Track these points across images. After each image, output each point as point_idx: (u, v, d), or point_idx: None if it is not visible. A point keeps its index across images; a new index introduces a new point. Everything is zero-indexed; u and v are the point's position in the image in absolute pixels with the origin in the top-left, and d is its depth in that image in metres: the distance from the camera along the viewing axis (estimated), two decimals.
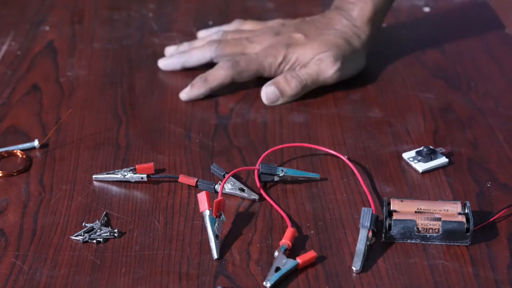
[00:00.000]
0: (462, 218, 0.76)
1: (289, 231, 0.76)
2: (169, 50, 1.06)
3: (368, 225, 0.75)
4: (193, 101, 0.98)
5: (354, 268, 0.73)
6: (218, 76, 0.98)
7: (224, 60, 0.99)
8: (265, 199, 0.82)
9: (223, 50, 1.01)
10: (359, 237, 0.75)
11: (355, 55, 0.99)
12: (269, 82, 0.97)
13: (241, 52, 1.00)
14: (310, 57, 0.98)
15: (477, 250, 0.76)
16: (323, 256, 0.75)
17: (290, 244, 0.75)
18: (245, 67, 0.98)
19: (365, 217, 0.76)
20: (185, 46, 1.05)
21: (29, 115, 0.96)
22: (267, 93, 0.97)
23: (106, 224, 0.79)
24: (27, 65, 1.06)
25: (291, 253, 0.75)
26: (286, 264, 0.73)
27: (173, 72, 1.04)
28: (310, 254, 0.74)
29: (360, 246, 0.75)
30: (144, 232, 0.78)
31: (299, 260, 0.73)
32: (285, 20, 1.06)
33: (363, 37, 1.00)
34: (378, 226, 0.77)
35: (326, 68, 0.97)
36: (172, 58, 1.04)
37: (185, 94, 0.98)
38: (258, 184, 0.83)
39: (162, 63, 1.04)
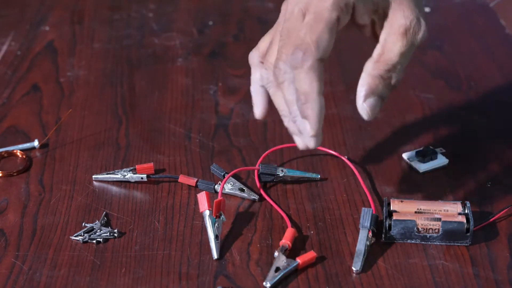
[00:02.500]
0: (462, 218, 0.76)
1: (289, 231, 0.76)
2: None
3: (368, 225, 0.75)
4: (193, 101, 0.98)
5: (354, 268, 0.73)
6: (304, 79, 0.70)
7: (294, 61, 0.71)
8: (265, 199, 0.82)
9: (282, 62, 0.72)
10: (359, 237, 0.75)
11: None
12: (362, 91, 0.73)
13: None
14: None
15: (477, 250, 0.76)
16: (323, 256, 0.75)
17: (290, 244, 0.75)
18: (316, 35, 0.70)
19: (365, 217, 0.76)
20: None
21: (29, 115, 0.96)
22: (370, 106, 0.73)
23: (106, 224, 0.79)
24: (27, 65, 1.06)
25: (291, 253, 0.75)
26: (286, 264, 0.73)
27: (173, 72, 1.04)
28: (310, 255, 0.74)
29: (360, 246, 0.75)
30: (144, 232, 0.78)
31: (299, 260, 0.73)
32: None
33: None
34: (378, 226, 0.77)
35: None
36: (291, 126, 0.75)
37: (313, 139, 0.72)
38: (258, 184, 0.83)
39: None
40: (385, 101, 0.73)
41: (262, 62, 0.77)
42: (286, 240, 0.75)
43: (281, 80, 0.72)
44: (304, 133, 0.72)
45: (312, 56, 0.69)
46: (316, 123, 0.70)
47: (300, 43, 0.70)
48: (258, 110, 0.79)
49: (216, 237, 0.75)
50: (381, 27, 0.72)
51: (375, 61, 0.71)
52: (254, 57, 0.78)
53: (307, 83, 0.69)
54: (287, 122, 0.74)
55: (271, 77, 0.74)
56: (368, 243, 0.75)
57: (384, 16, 0.72)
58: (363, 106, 0.72)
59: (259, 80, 0.77)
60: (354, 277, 0.73)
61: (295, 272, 0.73)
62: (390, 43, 0.71)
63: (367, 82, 0.72)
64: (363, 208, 0.77)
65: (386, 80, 0.72)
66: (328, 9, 0.70)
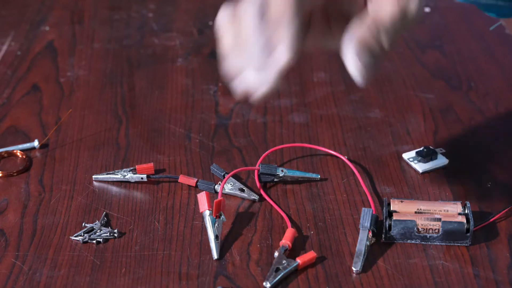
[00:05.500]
0: (462, 219, 0.76)
1: (289, 232, 0.76)
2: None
3: (368, 225, 0.75)
4: (193, 101, 0.98)
5: (354, 269, 0.73)
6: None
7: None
8: (265, 199, 0.82)
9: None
10: (359, 238, 0.75)
11: None
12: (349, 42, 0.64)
13: None
14: None
15: (477, 251, 0.76)
16: (323, 256, 0.75)
17: (290, 245, 0.75)
18: None
19: (365, 217, 0.76)
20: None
21: (29, 115, 0.96)
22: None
23: (106, 224, 0.79)
24: (27, 65, 1.06)
25: (291, 253, 0.75)
26: (286, 264, 0.73)
27: (173, 72, 1.04)
28: (310, 255, 0.74)
29: (360, 246, 0.75)
30: (144, 232, 0.78)
31: (299, 260, 0.73)
32: None
33: None
34: (378, 226, 0.77)
35: None
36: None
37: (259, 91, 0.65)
38: (258, 184, 0.83)
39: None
40: (377, 65, 0.64)
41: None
42: (286, 240, 0.75)
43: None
44: (277, 59, 0.64)
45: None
46: (289, 48, 0.63)
47: None
48: None
49: (216, 237, 0.75)
50: None
51: (367, 19, 0.64)
52: None
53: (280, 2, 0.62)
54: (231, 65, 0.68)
55: None
56: (368, 243, 0.75)
57: None
58: (354, 61, 0.63)
59: None
60: (354, 277, 0.73)
61: (295, 272, 0.73)
62: (382, 4, 0.64)
63: (357, 35, 0.63)
64: (363, 208, 0.77)
65: (376, 40, 0.64)
66: None
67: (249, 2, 0.66)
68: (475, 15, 1.18)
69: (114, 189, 0.84)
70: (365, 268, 0.74)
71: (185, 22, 1.17)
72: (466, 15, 1.18)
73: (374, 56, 0.64)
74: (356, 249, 0.74)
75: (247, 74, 0.67)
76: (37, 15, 1.18)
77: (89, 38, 1.13)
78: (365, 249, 0.74)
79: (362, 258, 0.74)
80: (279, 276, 0.72)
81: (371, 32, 0.64)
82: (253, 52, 0.65)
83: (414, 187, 0.84)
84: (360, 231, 0.76)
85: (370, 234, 0.75)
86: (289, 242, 0.75)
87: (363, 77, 0.64)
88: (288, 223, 0.78)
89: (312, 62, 1.07)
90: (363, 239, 0.75)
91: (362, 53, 0.63)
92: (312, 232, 0.78)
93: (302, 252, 0.75)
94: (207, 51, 1.10)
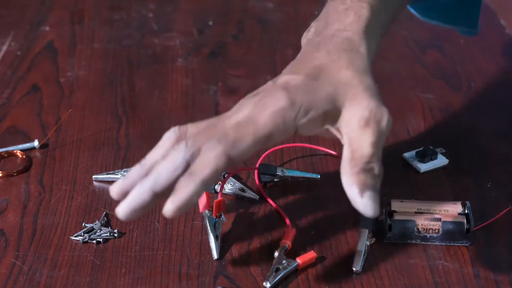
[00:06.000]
0: (462, 219, 0.76)
1: (289, 232, 0.76)
2: (117, 187, 0.69)
3: (368, 225, 0.75)
4: (193, 101, 0.98)
5: (354, 269, 0.73)
6: (207, 161, 0.66)
7: (206, 146, 0.67)
8: (265, 199, 0.82)
9: (197, 142, 0.68)
10: (359, 238, 0.75)
11: None
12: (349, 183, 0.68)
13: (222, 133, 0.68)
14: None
15: (477, 251, 0.76)
16: (323, 256, 0.75)
17: (290, 245, 0.75)
18: (239, 135, 0.67)
19: (365, 217, 0.76)
20: (136, 171, 0.69)
21: (29, 115, 0.96)
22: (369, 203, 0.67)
23: (106, 224, 0.79)
24: (27, 65, 1.06)
25: (291, 253, 0.75)
26: (286, 264, 0.73)
27: (173, 72, 1.04)
28: (310, 255, 0.74)
29: (360, 246, 0.74)
30: (144, 232, 0.78)
31: (299, 260, 0.73)
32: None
33: None
34: (378, 226, 0.77)
35: None
36: (133, 193, 0.67)
37: (170, 207, 0.66)
38: (258, 184, 0.83)
39: (122, 210, 0.68)
40: (378, 192, 0.68)
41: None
42: (286, 240, 0.75)
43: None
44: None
45: (225, 151, 0.66)
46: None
47: (222, 135, 0.67)
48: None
49: (216, 237, 0.75)
50: (338, 129, 0.70)
51: (350, 160, 0.67)
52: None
53: (205, 165, 0.66)
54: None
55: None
56: (368, 243, 0.75)
57: (335, 119, 0.69)
58: (364, 201, 0.67)
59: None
60: (354, 277, 0.73)
61: (295, 272, 0.73)
62: (356, 139, 0.68)
63: (354, 181, 0.67)
64: None
65: (369, 172, 0.67)
66: (263, 121, 0.67)
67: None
68: None
69: None
70: (365, 268, 0.74)
71: (185, 22, 1.17)
72: None
73: (376, 189, 0.67)
74: (356, 249, 0.74)
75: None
76: (37, 15, 1.19)
77: (89, 38, 1.13)
78: (365, 249, 0.74)
79: (362, 258, 0.74)
80: (279, 276, 0.72)
81: (366, 172, 0.67)
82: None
83: (414, 187, 0.84)
84: (360, 231, 0.76)
85: (370, 234, 0.75)
86: (289, 242, 0.75)
87: (377, 211, 0.67)
88: (288, 223, 0.78)
89: None
90: (363, 239, 0.75)
91: (370, 194, 0.67)
92: (312, 232, 0.78)
93: (302, 252, 0.75)
94: (207, 51, 1.10)
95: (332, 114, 0.69)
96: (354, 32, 0.72)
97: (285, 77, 0.70)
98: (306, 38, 0.75)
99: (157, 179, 0.67)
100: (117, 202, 0.82)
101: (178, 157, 0.67)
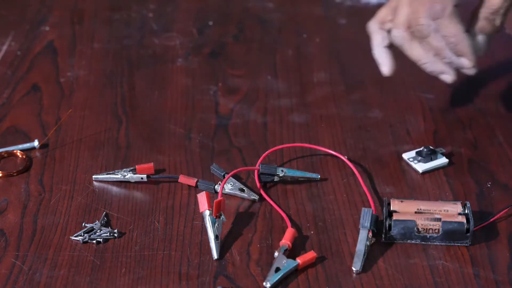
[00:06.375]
0: (462, 219, 0.76)
1: (289, 232, 0.76)
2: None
3: (368, 225, 0.75)
4: (193, 101, 0.98)
5: (354, 269, 0.73)
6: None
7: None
8: (265, 199, 0.82)
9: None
10: (359, 238, 0.75)
11: None
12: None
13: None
14: None
15: (477, 251, 0.76)
16: (323, 256, 0.75)
17: (290, 245, 0.75)
18: None
19: (365, 217, 0.76)
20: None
21: (29, 115, 0.96)
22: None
23: (106, 224, 0.79)
24: (27, 65, 1.06)
25: (291, 253, 0.75)
26: (286, 264, 0.73)
27: (173, 72, 1.04)
28: (310, 255, 0.74)
29: (360, 246, 0.75)
30: (144, 232, 0.78)
31: (299, 260, 0.73)
32: None
33: None
34: (378, 226, 0.77)
35: None
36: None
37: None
38: (258, 184, 0.83)
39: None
40: (491, 40, 0.90)
41: (382, 29, 0.91)
42: (286, 240, 0.75)
43: (426, 34, 0.87)
44: (464, 66, 0.88)
45: (450, 3, 0.86)
46: (472, 55, 0.88)
47: None
48: (387, 67, 0.92)
49: (216, 237, 0.75)
50: None
51: (483, 7, 0.88)
52: (373, 25, 0.92)
53: (452, 27, 0.86)
54: (430, 67, 0.89)
55: (404, 34, 0.89)
56: (368, 243, 0.75)
57: None
58: (475, 41, 0.89)
59: (381, 42, 0.92)
60: (354, 277, 0.73)
61: (295, 272, 0.73)
62: None
63: (478, 24, 0.89)
64: (363, 208, 0.77)
65: (491, 21, 0.88)
66: None
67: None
68: None
69: (114, 189, 0.84)
70: (365, 268, 0.74)
71: (185, 22, 1.17)
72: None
73: (490, 36, 0.90)
74: (356, 249, 0.74)
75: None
76: (37, 15, 1.19)
77: (89, 38, 1.13)
78: (365, 249, 0.74)
79: (362, 258, 0.74)
80: (279, 276, 0.72)
81: (488, 20, 0.88)
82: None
83: (414, 187, 0.84)
84: (360, 231, 0.76)
85: (370, 234, 0.75)
86: (289, 242, 0.75)
87: (483, 51, 0.91)
88: (288, 223, 0.78)
89: (312, 62, 1.07)
90: (363, 239, 0.75)
91: (482, 37, 0.90)
92: (312, 232, 0.78)
93: (302, 252, 0.75)
94: (207, 51, 1.10)
95: None
96: None
97: None
98: None
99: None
100: (116, 202, 0.82)
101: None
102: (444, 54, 0.88)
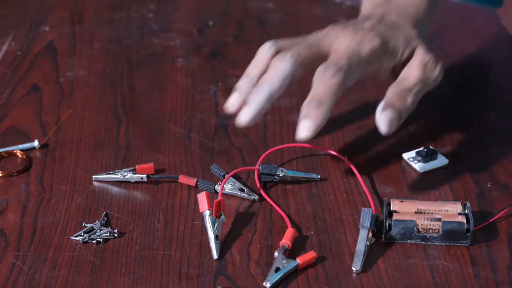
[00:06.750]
0: (462, 219, 0.76)
1: (289, 232, 0.76)
2: (233, 100, 0.81)
3: (368, 225, 0.76)
4: (193, 101, 0.98)
5: (354, 269, 0.73)
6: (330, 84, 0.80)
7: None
8: (265, 199, 0.82)
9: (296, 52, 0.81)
10: (359, 238, 0.75)
11: None
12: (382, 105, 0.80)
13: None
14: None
15: (477, 251, 0.76)
16: (323, 256, 0.75)
17: (290, 245, 0.75)
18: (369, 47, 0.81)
19: (365, 217, 0.76)
20: (244, 83, 0.81)
21: (29, 115, 0.96)
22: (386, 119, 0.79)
23: (106, 224, 0.79)
24: (27, 65, 1.06)
25: (291, 253, 0.75)
26: (286, 264, 0.73)
27: (173, 72, 1.04)
28: (310, 255, 0.74)
29: (360, 246, 0.75)
30: (144, 232, 0.78)
31: (299, 260, 0.73)
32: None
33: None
34: (378, 226, 0.77)
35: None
36: (253, 100, 0.78)
37: (304, 131, 0.78)
38: (258, 184, 0.83)
39: (245, 117, 0.78)
40: (402, 119, 0.80)
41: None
42: (286, 240, 0.75)
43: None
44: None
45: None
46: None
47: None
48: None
49: (216, 237, 0.75)
50: (400, 67, 0.83)
51: (395, 83, 0.81)
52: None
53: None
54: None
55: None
56: (368, 243, 0.75)
57: (403, 61, 0.83)
58: (381, 116, 0.78)
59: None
60: (354, 277, 0.73)
61: (295, 272, 0.73)
62: (410, 72, 0.81)
63: (386, 97, 0.80)
64: (363, 208, 0.77)
65: (402, 99, 0.79)
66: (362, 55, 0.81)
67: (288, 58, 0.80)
68: (475, 15, 1.18)
69: (114, 189, 0.84)
70: (365, 268, 0.74)
71: (185, 22, 1.17)
72: (466, 15, 1.18)
73: (400, 115, 0.79)
74: (356, 249, 0.74)
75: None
76: (37, 15, 1.18)
77: (89, 38, 1.13)
78: (365, 249, 0.74)
79: (362, 258, 0.74)
80: (279, 276, 0.72)
81: (400, 96, 0.80)
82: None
83: (414, 187, 0.84)
84: (360, 231, 0.76)
85: (370, 234, 0.75)
86: (289, 242, 0.75)
87: (388, 129, 0.79)
88: (288, 223, 0.78)
89: None
90: (363, 239, 0.75)
91: (389, 113, 0.79)
92: (312, 232, 0.78)
93: (302, 252, 0.75)
94: (207, 51, 1.10)
95: (406, 54, 0.83)
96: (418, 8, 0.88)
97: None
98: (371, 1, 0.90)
99: (272, 86, 0.78)
100: (116, 202, 0.82)
101: (287, 65, 0.79)
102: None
